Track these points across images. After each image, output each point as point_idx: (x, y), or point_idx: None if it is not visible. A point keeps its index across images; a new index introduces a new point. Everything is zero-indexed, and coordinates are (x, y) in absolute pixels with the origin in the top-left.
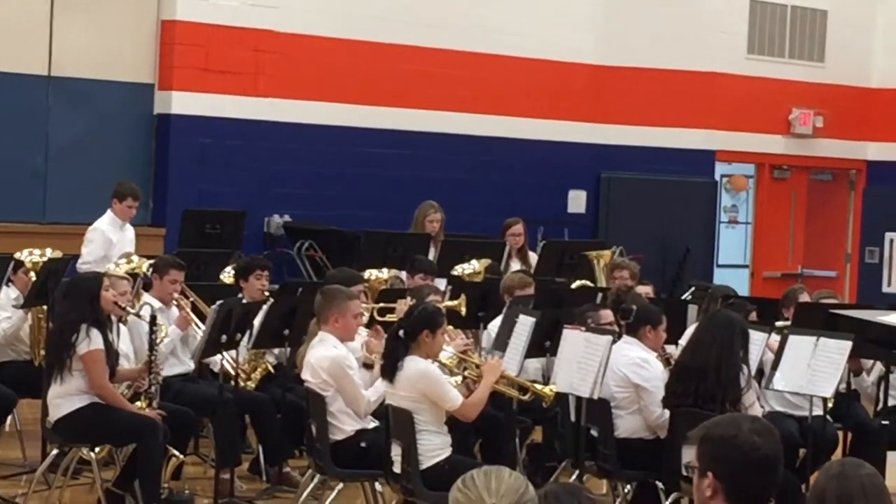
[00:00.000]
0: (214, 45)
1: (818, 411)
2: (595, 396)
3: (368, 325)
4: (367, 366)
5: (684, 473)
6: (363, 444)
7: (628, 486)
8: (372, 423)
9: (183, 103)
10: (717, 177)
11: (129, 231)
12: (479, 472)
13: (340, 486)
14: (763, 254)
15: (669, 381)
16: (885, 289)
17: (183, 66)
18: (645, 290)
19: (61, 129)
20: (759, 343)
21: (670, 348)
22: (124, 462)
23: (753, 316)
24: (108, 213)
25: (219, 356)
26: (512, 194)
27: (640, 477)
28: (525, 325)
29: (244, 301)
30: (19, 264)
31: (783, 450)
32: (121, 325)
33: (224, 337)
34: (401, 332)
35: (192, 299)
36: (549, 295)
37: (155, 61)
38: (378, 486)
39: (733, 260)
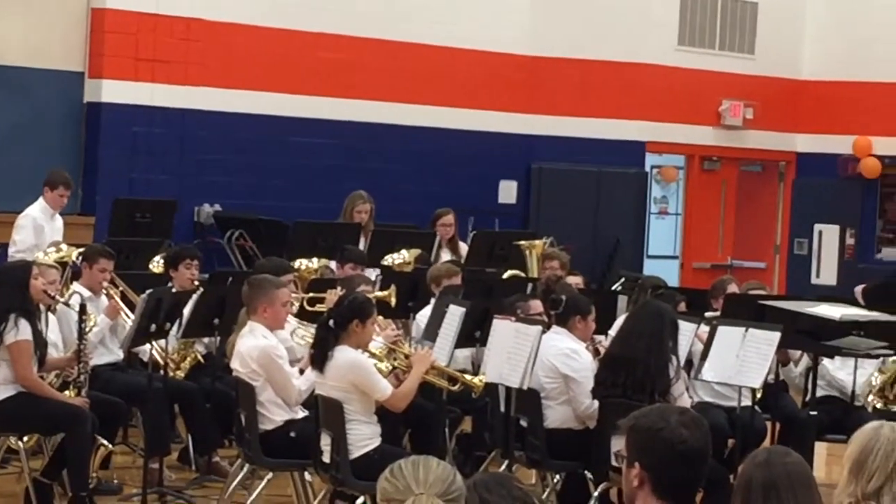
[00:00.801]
0: (144, 34)
1: (747, 402)
2: (524, 387)
3: (298, 315)
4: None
5: (613, 464)
6: (292, 434)
7: (557, 477)
8: (301, 413)
9: (113, 92)
10: (647, 168)
11: (58, 220)
12: (406, 461)
13: (270, 475)
14: (693, 245)
15: (598, 371)
16: (813, 280)
17: (113, 55)
18: (575, 280)
19: None
20: (688, 334)
21: (600, 338)
22: (52, 451)
23: (683, 307)
24: (40, 201)
25: (148, 345)
26: (442, 184)
27: (569, 467)
28: (455, 315)
29: (174, 290)
30: None
31: (711, 440)
32: (50, 314)
33: (153, 326)
34: (330, 322)
35: (121, 288)
36: (479, 285)
37: (85, 50)
38: (307, 475)
39: (663, 251)
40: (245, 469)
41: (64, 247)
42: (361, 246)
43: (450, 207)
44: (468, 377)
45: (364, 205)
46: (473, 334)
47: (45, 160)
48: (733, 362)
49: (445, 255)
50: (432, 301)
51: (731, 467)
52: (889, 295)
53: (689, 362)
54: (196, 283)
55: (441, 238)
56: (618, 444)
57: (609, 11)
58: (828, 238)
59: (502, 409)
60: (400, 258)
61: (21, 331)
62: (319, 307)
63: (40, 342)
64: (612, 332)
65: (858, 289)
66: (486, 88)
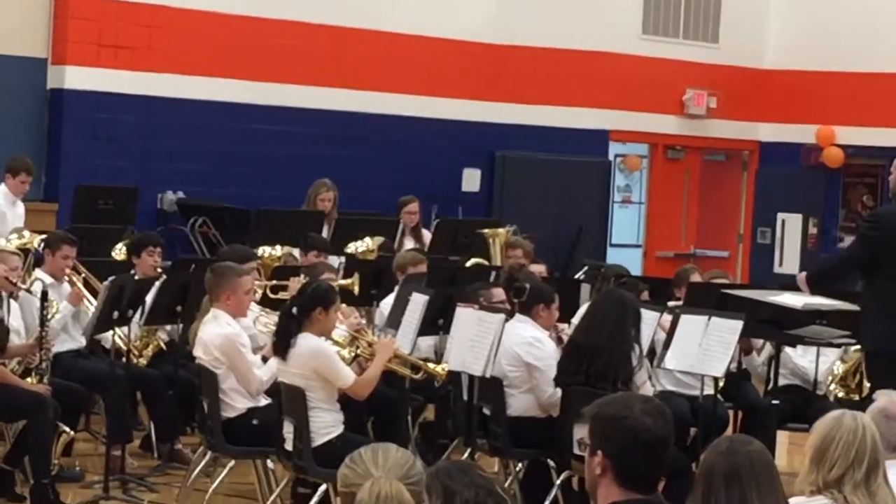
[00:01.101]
0: (108, 20)
1: (709, 390)
2: (487, 375)
3: (261, 303)
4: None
5: (576, 452)
6: (255, 422)
7: (520, 465)
8: (264, 401)
9: (76, 78)
10: (611, 156)
11: (20, 207)
12: (366, 448)
13: (232, 463)
14: (656, 234)
15: (561, 359)
16: (776, 269)
17: (76, 41)
18: (538, 268)
19: None
20: (651, 322)
21: (563, 327)
22: (14, 438)
23: (646, 295)
24: (1, 188)
25: (110, 333)
26: (406, 172)
27: (532, 455)
28: (418, 303)
29: (136, 277)
30: None
31: (674, 429)
32: (12, 300)
33: (116, 313)
34: (293, 310)
35: (83, 275)
36: (442, 273)
37: (48, 36)
38: (270, 463)
39: (626, 239)
40: (207, 456)
41: (27, 233)
42: (325, 234)
43: (413, 195)
44: (431, 366)
45: (328, 192)
46: (436, 322)
47: (7, 147)
48: (696, 351)
49: (409, 243)
50: (397, 289)
51: (693, 456)
52: (827, 280)
53: (651, 351)
54: (159, 270)
55: (405, 226)
56: (580, 432)
57: (573, 0)
58: (791, 227)
59: (465, 397)
60: (363, 246)
61: None
62: (282, 295)
63: (2, 329)
64: (575, 320)
65: (801, 276)
66: (450, 76)
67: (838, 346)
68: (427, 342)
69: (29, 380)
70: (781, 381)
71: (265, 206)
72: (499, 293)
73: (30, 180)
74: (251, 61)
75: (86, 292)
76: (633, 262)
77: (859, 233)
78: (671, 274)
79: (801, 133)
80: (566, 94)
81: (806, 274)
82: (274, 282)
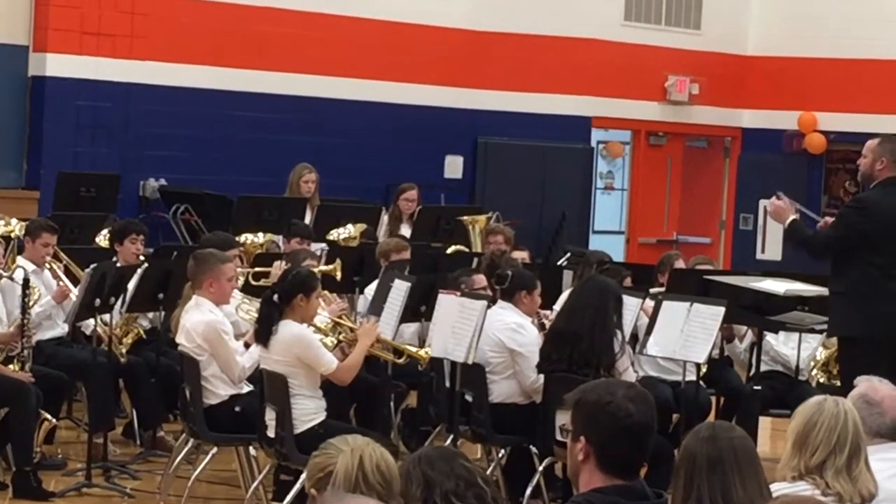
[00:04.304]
0: (89, 7)
1: (691, 376)
2: (470, 361)
3: (243, 290)
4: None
5: (558, 438)
6: (237, 409)
7: (502, 451)
8: (246, 388)
9: (58, 65)
10: (593, 143)
11: None
12: (332, 439)
13: (214, 450)
14: (638, 220)
15: (544, 346)
16: (758, 255)
17: (58, 28)
18: (521, 255)
19: None
20: (633, 308)
21: (545, 313)
22: None
23: (628, 282)
24: None
25: (92, 320)
26: (388, 159)
27: (515, 442)
28: (400, 289)
29: (118, 265)
30: None
31: (656, 415)
32: None
33: (97, 301)
34: (275, 297)
35: (64, 262)
36: (424, 260)
37: (29, 23)
38: (252, 450)
39: (609, 226)
40: (190, 444)
41: (13, 221)
42: (307, 220)
43: (396, 182)
44: (413, 349)
45: (310, 174)
46: (419, 309)
47: None
48: (678, 337)
49: (406, 230)
50: (379, 275)
51: (675, 441)
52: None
53: (633, 337)
54: (141, 257)
55: (403, 213)
56: (563, 418)
57: None
58: None
59: (447, 383)
60: (345, 233)
61: None
62: (264, 282)
63: None
64: (557, 306)
65: (776, 209)
66: (432, 63)
67: (820, 331)
68: (410, 329)
69: (11, 367)
70: (763, 368)
71: (247, 194)
72: (480, 280)
73: None
74: (233, 48)
75: (67, 280)
76: (615, 249)
77: (841, 217)
78: (653, 260)
79: (783, 119)
80: (548, 81)
81: (786, 231)
82: (256, 269)
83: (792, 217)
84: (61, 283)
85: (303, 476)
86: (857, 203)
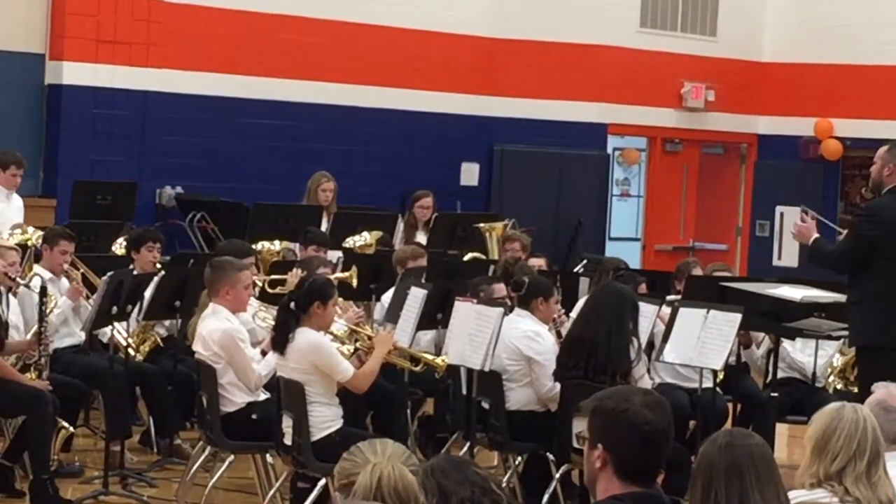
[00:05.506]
0: (105, 16)
1: (708, 383)
2: (486, 369)
3: (260, 297)
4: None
5: (575, 445)
6: (254, 416)
7: (519, 459)
8: (263, 395)
9: (74, 74)
10: (609, 150)
11: (17, 200)
12: (362, 443)
13: (231, 458)
14: (654, 227)
15: (560, 353)
16: (775, 262)
17: (74, 37)
18: (538, 262)
19: None
20: (649, 315)
21: (563, 320)
22: (14, 434)
23: (643, 288)
24: None
25: (109, 328)
26: (405, 166)
27: (531, 449)
28: (417, 297)
29: (135, 273)
30: None
31: (674, 422)
32: (10, 296)
33: (114, 308)
34: (291, 305)
35: (81, 270)
36: (441, 267)
37: (46, 31)
38: (269, 458)
39: (625, 233)
40: (207, 451)
41: (30, 229)
42: (324, 228)
43: (412, 189)
44: (430, 357)
45: (328, 183)
46: (435, 316)
47: (5, 142)
48: (695, 344)
49: (422, 238)
50: (396, 283)
51: (692, 449)
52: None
53: (650, 344)
54: (158, 265)
55: (419, 220)
56: (580, 425)
57: None
58: (789, 220)
59: (464, 391)
60: (361, 240)
61: None
62: (281, 289)
63: (1, 325)
64: (574, 314)
65: (804, 233)
66: (448, 70)
67: (837, 338)
68: (427, 337)
69: (28, 375)
70: (780, 374)
71: (263, 201)
72: (500, 289)
73: (20, 172)
74: (249, 56)
75: (84, 288)
76: (631, 256)
77: (853, 227)
78: (670, 267)
79: (799, 126)
80: (564, 88)
81: (810, 250)
82: (272, 276)
83: (815, 236)
84: (74, 282)
85: (320, 483)
86: (865, 212)
